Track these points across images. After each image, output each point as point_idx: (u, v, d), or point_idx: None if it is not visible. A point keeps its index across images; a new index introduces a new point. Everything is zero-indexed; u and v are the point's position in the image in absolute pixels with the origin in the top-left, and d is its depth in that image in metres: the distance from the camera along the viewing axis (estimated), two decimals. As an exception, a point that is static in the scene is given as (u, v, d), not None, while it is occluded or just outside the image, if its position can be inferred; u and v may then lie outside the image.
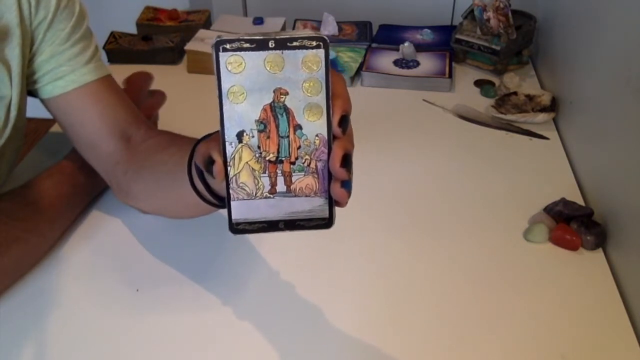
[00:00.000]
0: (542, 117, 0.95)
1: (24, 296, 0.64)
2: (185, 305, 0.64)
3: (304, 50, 0.37)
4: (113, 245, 0.72)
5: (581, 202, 0.78)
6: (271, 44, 0.37)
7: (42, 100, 0.68)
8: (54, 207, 0.69)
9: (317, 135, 0.39)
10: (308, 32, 0.37)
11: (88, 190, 0.76)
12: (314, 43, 0.37)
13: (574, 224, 0.72)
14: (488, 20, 1.08)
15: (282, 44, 0.37)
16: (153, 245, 0.71)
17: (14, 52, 0.63)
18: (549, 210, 0.75)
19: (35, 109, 0.71)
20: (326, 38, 0.37)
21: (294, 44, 0.37)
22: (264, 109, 0.38)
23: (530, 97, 1.01)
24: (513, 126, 0.96)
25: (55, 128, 0.94)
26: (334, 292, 0.66)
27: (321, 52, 0.37)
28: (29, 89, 0.67)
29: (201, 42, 1.15)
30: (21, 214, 0.66)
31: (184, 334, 0.60)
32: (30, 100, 0.69)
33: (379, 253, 0.71)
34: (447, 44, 1.18)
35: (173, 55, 1.17)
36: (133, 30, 1.25)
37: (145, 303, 0.64)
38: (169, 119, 0.85)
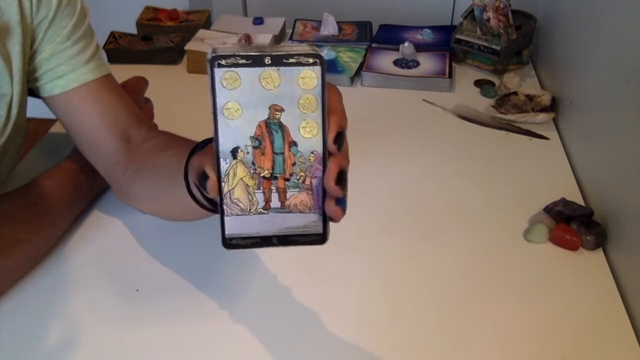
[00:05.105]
0: (542, 117, 0.95)
1: (25, 297, 0.64)
2: (185, 306, 0.64)
3: (300, 67, 0.37)
4: (113, 245, 0.72)
5: (581, 202, 0.78)
6: (267, 60, 0.36)
7: (43, 99, 0.68)
8: (55, 208, 0.69)
9: (312, 152, 0.38)
10: (304, 49, 0.37)
11: (89, 190, 0.75)
12: (311, 60, 0.37)
13: (574, 224, 0.72)
14: (488, 20, 1.08)
15: (278, 61, 0.36)
16: (153, 246, 0.71)
17: (14, 50, 0.63)
18: (549, 210, 0.75)
19: (35, 109, 0.71)
20: (322, 55, 0.37)
21: (290, 60, 0.36)
22: (259, 126, 0.38)
23: (530, 97, 1.01)
24: (513, 126, 0.96)
25: (55, 128, 0.94)
26: (334, 295, 0.66)
27: (317, 68, 0.37)
28: (30, 86, 0.67)
29: (201, 42, 1.15)
30: (22, 216, 0.65)
31: (184, 335, 0.60)
32: (30, 100, 0.69)
33: (378, 254, 0.71)
34: (447, 44, 1.18)
35: (173, 55, 1.17)
36: (133, 30, 1.25)
37: (145, 304, 0.64)
38: (168, 119, 0.85)
